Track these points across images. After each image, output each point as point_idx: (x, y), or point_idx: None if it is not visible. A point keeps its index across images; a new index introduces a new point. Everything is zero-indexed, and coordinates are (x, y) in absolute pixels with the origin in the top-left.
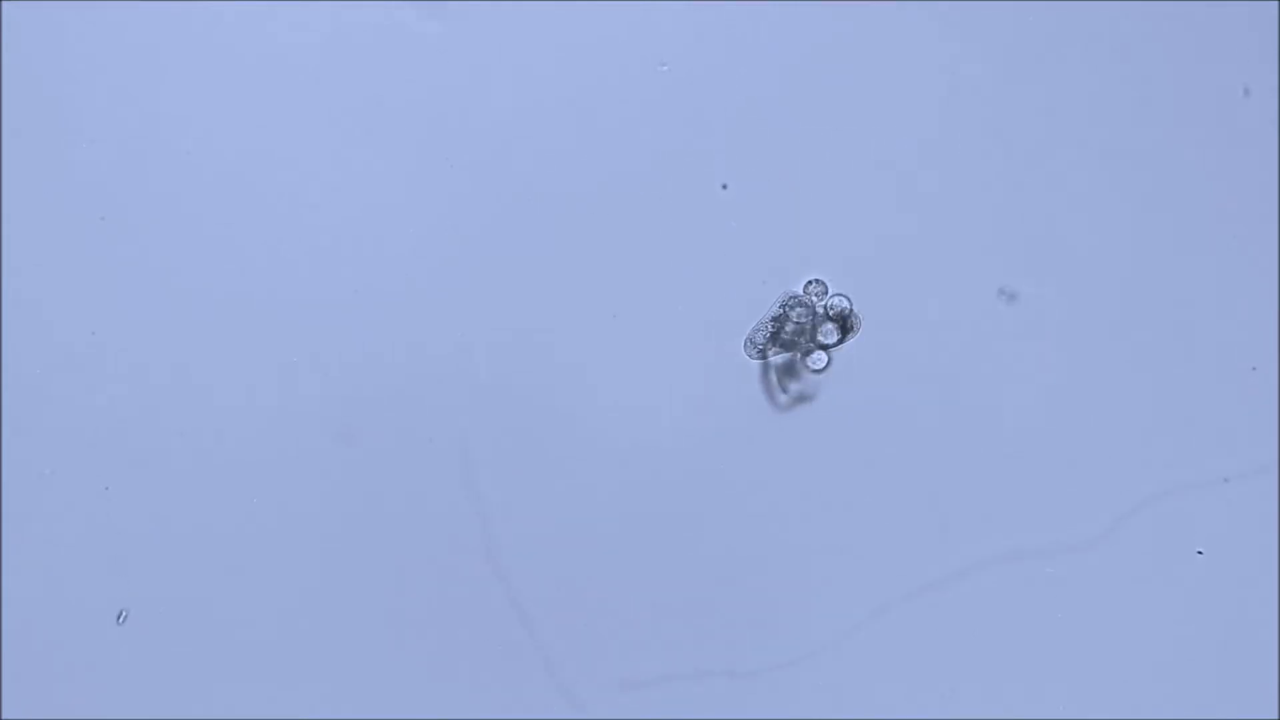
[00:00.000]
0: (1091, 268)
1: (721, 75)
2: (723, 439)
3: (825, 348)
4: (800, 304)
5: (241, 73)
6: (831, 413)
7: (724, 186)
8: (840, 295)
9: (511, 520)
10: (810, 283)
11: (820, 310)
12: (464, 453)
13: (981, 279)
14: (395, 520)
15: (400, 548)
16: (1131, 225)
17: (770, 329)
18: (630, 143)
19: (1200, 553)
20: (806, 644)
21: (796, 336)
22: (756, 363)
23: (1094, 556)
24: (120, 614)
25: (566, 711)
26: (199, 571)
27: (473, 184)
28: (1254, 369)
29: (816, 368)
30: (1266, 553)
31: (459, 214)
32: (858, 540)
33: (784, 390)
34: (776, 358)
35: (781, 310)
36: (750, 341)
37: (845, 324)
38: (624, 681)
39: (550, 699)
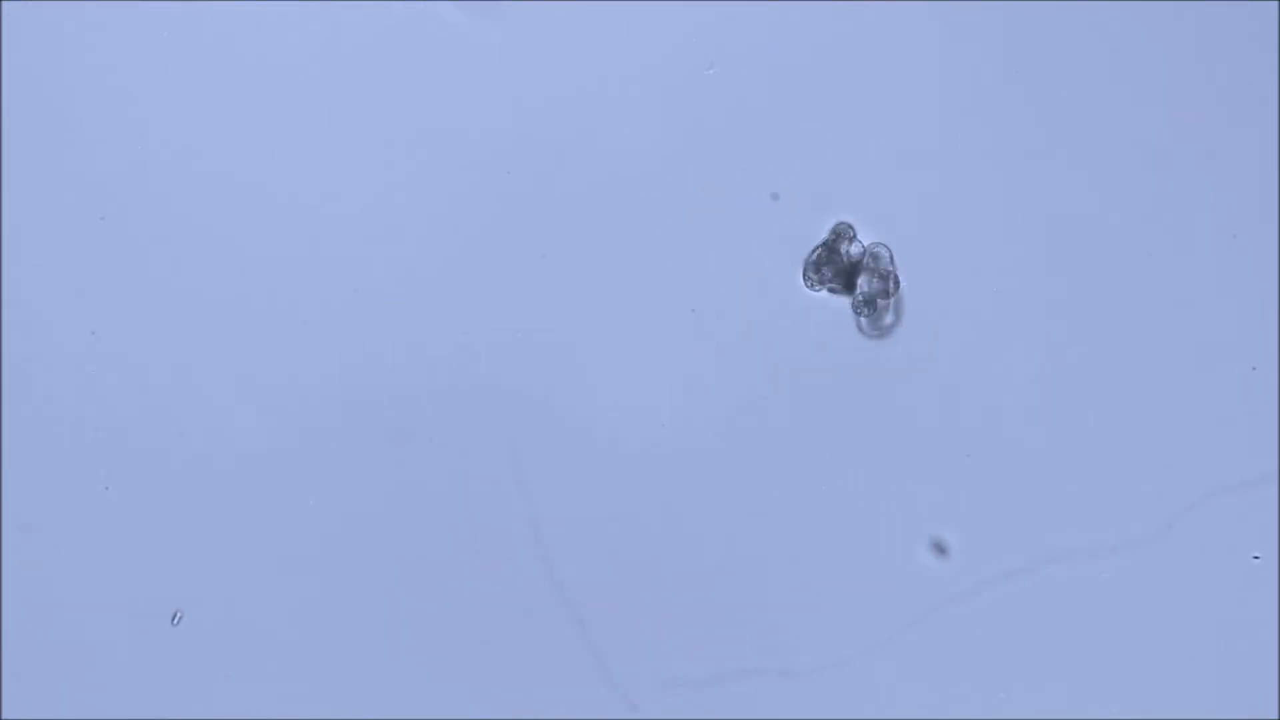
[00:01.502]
0: (1090, 267)
1: (723, 76)
2: (763, 436)
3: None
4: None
5: (242, 72)
6: (869, 411)
7: (775, 197)
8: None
9: (551, 520)
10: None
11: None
12: (514, 453)
13: (981, 279)
14: (397, 519)
15: (439, 544)
16: (1132, 224)
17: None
18: (628, 143)
19: (1257, 557)
20: (859, 643)
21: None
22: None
23: (1144, 556)
24: (175, 615)
25: (618, 711)
26: (199, 572)
27: (474, 184)
28: (1254, 369)
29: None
30: (1267, 554)
31: (459, 214)
32: (905, 541)
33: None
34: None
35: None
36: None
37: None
38: (673, 680)
39: (603, 698)
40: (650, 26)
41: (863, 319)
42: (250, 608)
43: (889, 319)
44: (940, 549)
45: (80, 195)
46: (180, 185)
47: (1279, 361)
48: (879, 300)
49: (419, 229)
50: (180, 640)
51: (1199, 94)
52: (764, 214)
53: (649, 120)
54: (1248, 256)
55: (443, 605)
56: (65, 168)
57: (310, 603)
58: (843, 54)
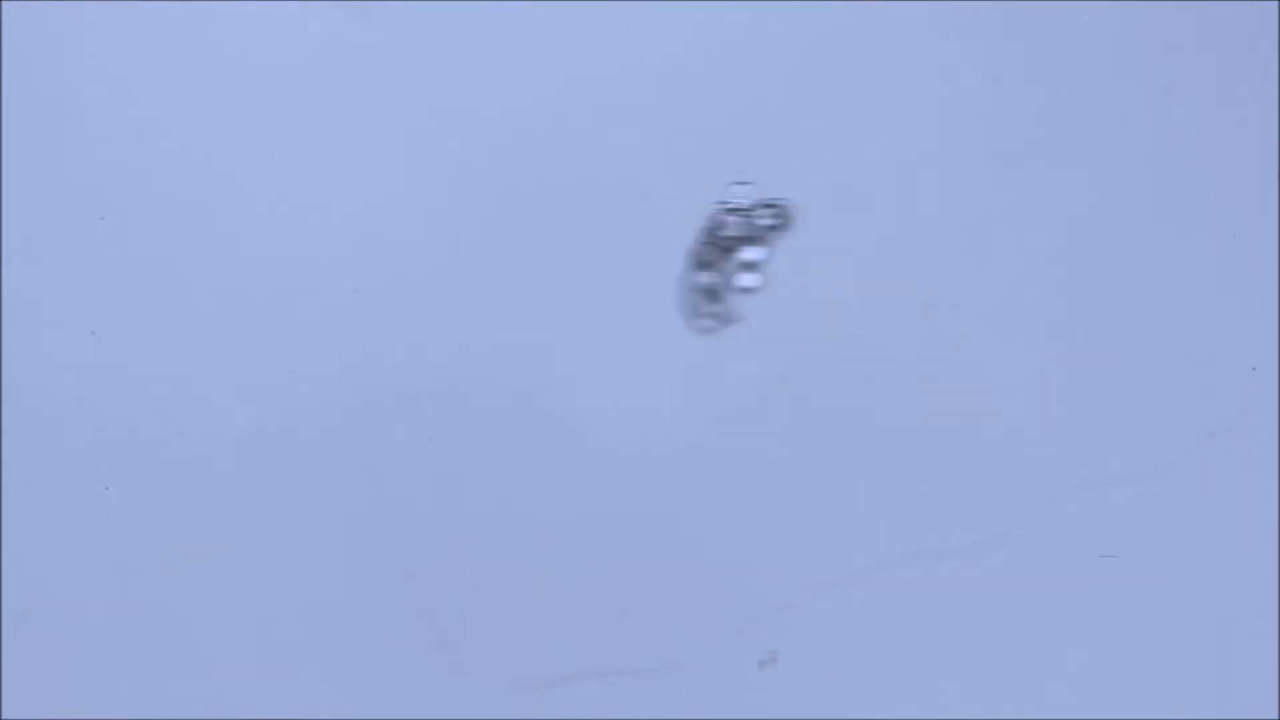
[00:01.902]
0: (1089, 267)
1: (718, 77)
2: (600, 444)
3: (753, 266)
4: (731, 211)
5: (242, 73)
6: (732, 411)
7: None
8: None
9: (406, 525)
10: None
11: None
12: (365, 459)
13: (967, 275)
14: (398, 518)
15: (395, 546)
16: (1131, 224)
17: (706, 241)
18: (621, 144)
19: (1109, 557)
20: (704, 642)
21: (724, 253)
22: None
23: (995, 557)
24: (20, 613)
25: (466, 712)
26: (199, 571)
27: (475, 182)
28: (1254, 369)
29: (747, 285)
30: (1186, 552)
31: (460, 213)
32: (756, 539)
33: (706, 315)
34: (701, 278)
35: (713, 221)
36: (693, 255)
37: (781, 218)
38: (523, 683)
39: (449, 699)
40: (651, 26)
41: (702, 304)
42: (249, 607)
43: (724, 307)
44: (766, 662)
45: (80, 195)
46: (180, 185)
47: (1278, 361)
48: (718, 288)
49: (418, 230)
50: (180, 640)
51: (1199, 94)
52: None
53: (642, 122)
54: (1248, 256)
55: (293, 605)
56: (65, 168)
57: (308, 601)
58: (835, 55)
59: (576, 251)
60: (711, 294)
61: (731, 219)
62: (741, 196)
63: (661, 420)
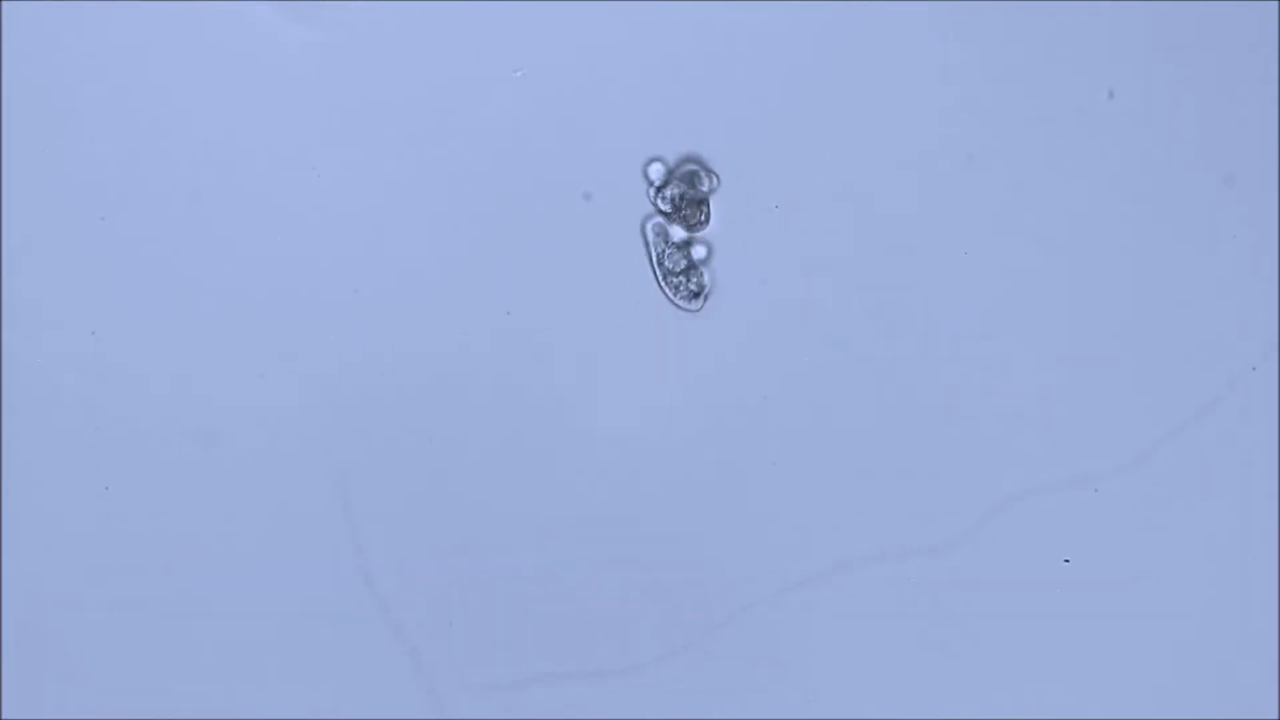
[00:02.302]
0: (1086, 266)
1: (717, 76)
2: (611, 445)
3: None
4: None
5: (243, 73)
6: (695, 413)
7: (587, 196)
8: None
9: (372, 526)
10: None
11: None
12: (337, 465)
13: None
14: (400, 517)
15: (398, 546)
16: (1130, 224)
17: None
18: (621, 143)
19: (1067, 560)
20: (669, 643)
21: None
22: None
23: (956, 559)
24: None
25: (429, 712)
26: (200, 571)
27: (474, 182)
28: (1254, 369)
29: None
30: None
31: (460, 214)
32: (721, 540)
33: (686, 294)
34: (668, 262)
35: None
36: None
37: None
38: (486, 684)
39: (414, 699)
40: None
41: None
42: (246, 606)
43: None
44: None
45: (80, 195)
46: (180, 185)
47: (1279, 361)
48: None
49: (418, 230)
50: (180, 640)
51: (1199, 94)
52: (753, 213)
53: (649, 118)
54: (1248, 256)
55: (293, 604)
56: (65, 168)
57: (308, 601)
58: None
59: (576, 251)
60: (688, 271)
61: (666, 194)
62: (656, 175)
63: (628, 423)
